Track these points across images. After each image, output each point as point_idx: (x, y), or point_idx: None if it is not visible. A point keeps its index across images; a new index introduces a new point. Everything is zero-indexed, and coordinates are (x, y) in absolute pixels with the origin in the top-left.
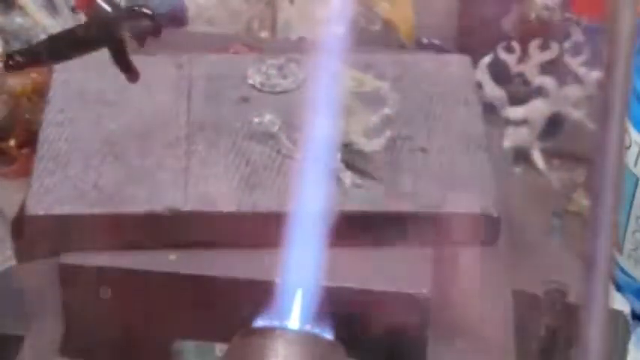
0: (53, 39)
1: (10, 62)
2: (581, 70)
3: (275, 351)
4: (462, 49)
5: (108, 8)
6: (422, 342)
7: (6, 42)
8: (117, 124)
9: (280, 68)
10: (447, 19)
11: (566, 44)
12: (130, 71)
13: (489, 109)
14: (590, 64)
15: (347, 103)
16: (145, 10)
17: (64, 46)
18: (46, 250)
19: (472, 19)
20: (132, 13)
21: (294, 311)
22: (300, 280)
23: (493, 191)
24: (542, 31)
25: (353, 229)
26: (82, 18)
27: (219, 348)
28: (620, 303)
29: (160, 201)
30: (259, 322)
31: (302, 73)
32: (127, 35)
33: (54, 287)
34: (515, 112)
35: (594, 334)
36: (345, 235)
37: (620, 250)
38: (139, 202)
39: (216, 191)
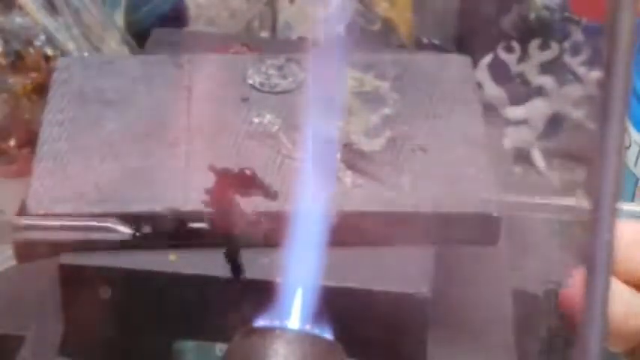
0: (180, 226)
1: (137, 233)
2: (581, 70)
3: (275, 351)
4: (462, 49)
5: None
6: (422, 342)
7: (6, 42)
8: (117, 124)
9: (280, 68)
10: (447, 19)
11: (566, 44)
12: (236, 269)
13: (489, 109)
14: (589, 63)
15: (347, 103)
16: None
17: (187, 237)
18: (46, 250)
19: (472, 19)
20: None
21: (294, 311)
22: (300, 280)
23: (493, 191)
24: (542, 31)
25: (353, 229)
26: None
27: (219, 348)
28: None
29: (160, 201)
30: (259, 322)
31: (302, 73)
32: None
33: (54, 287)
34: (515, 112)
35: (594, 334)
36: (345, 235)
37: None
38: (139, 202)
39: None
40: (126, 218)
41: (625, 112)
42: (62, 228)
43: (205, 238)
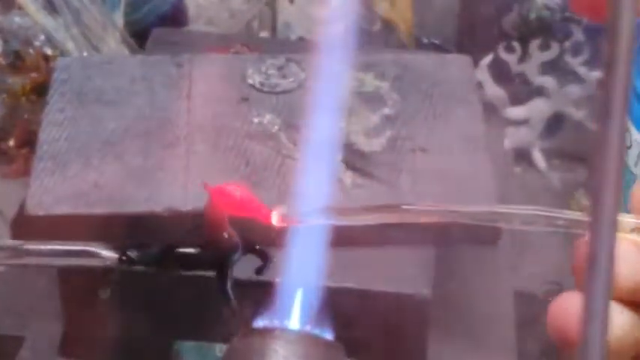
0: (168, 250)
1: (123, 257)
2: (582, 70)
3: (275, 351)
4: (462, 49)
5: (225, 237)
6: (422, 342)
7: (5, 42)
8: (117, 124)
9: (280, 68)
10: (447, 19)
11: (567, 44)
12: (226, 297)
13: (489, 109)
14: (590, 63)
15: (347, 103)
16: (259, 248)
17: (176, 261)
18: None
19: (472, 19)
20: (245, 250)
21: (294, 311)
22: (300, 281)
23: (493, 191)
24: (542, 30)
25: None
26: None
27: (219, 348)
28: None
29: (160, 201)
30: (259, 322)
31: (302, 73)
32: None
33: (54, 287)
34: (516, 112)
35: (594, 334)
36: (345, 236)
37: None
38: (139, 202)
39: None
40: (125, 218)
41: (625, 112)
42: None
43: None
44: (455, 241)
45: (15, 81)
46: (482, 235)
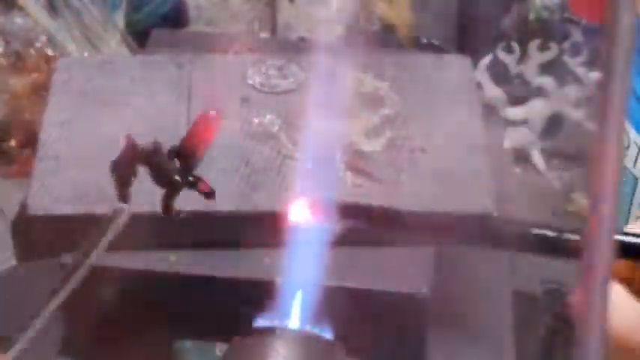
0: None
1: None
2: (581, 70)
3: (275, 351)
4: (462, 49)
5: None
6: (422, 342)
7: (7, 42)
8: (117, 124)
9: (280, 68)
10: (446, 19)
11: (566, 44)
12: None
13: (489, 109)
14: (589, 64)
15: (347, 104)
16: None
17: None
18: (46, 250)
19: (472, 19)
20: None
21: (294, 311)
22: (300, 280)
23: (493, 191)
24: (541, 31)
25: (353, 228)
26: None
27: (219, 348)
28: None
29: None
30: (259, 322)
31: (302, 73)
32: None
33: (54, 287)
34: (515, 113)
35: (594, 335)
36: (345, 235)
37: None
38: (139, 202)
39: (216, 191)
40: None
41: (624, 113)
42: None
43: None
44: (455, 240)
45: (16, 81)
46: (482, 235)
